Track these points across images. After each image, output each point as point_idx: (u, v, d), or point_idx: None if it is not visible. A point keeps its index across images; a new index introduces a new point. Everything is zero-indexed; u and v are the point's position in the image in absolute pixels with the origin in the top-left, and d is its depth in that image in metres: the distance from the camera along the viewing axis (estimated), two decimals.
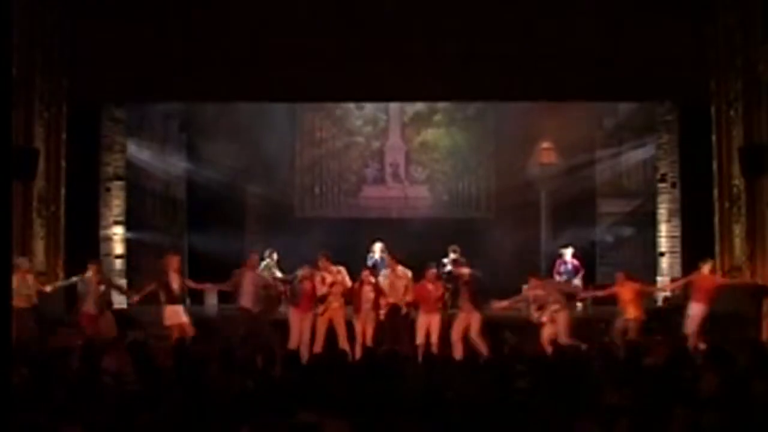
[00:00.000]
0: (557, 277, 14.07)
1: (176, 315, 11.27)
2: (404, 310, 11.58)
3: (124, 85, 13.36)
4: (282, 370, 7.29)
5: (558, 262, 14.51)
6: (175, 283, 11.38)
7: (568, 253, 14.43)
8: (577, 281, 14.21)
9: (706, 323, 11.33)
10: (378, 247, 14.00)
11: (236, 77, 13.30)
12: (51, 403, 5.96)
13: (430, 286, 11.48)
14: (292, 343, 11.16)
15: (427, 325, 11.36)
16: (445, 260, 13.79)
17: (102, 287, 11.48)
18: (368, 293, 11.46)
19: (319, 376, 6.88)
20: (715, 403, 5.78)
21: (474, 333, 11.27)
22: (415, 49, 13.15)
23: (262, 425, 5.32)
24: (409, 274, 11.69)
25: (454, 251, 13.76)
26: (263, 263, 13.70)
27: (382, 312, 11.51)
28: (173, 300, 11.30)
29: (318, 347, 11.26)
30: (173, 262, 11.59)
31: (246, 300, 11.68)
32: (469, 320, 11.33)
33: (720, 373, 6.62)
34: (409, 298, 11.55)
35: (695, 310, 11.43)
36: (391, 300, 11.51)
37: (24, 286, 10.89)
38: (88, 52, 13.23)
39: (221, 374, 7.12)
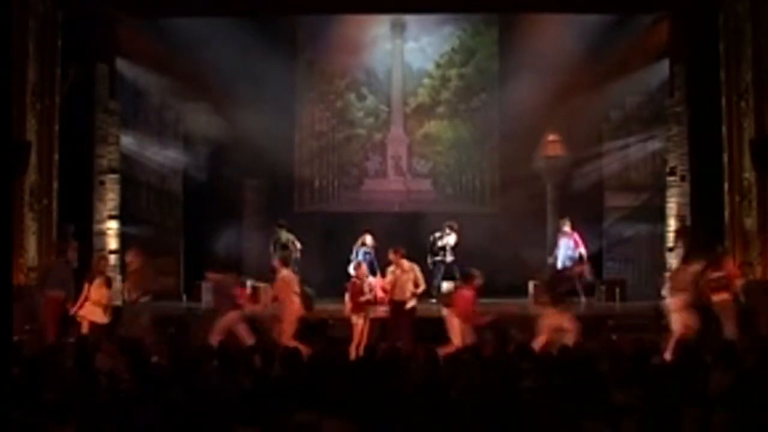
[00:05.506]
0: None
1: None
2: (409, 305, 11.57)
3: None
4: (281, 369, 7.24)
5: (558, 235, 14.81)
6: None
7: (566, 224, 14.69)
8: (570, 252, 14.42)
9: None
10: (369, 239, 13.94)
11: None
12: (44, 403, 5.90)
13: None
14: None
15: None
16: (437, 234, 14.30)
17: None
18: (366, 291, 11.54)
19: (319, 375, 6.82)
20: (726, 401, 5.70)
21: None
22: None
23: (261, 425, 5.25)
24: (416, 267, 11.77)
25: (450, 227, 14.29)
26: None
27: (384, 309, 11.64)
28: None
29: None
30: None
31: None
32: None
33: (730, 371, 6.53)
34: (417, 290, 11.63)
35: None
36: (395, 297, 11.53)
37: None
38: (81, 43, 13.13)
39: (219, 373, 7.13)
